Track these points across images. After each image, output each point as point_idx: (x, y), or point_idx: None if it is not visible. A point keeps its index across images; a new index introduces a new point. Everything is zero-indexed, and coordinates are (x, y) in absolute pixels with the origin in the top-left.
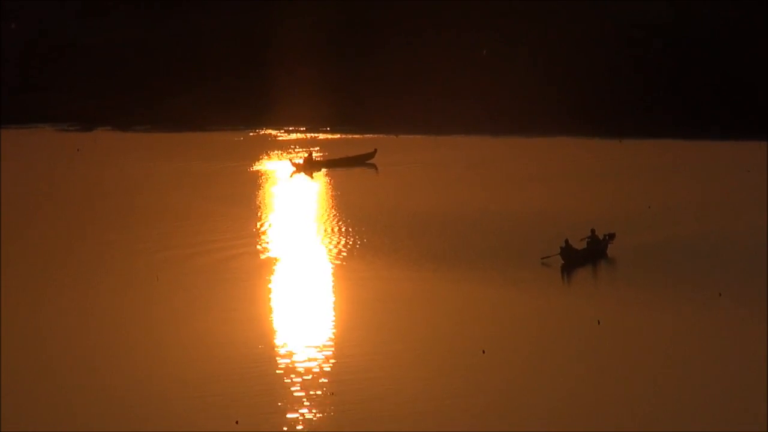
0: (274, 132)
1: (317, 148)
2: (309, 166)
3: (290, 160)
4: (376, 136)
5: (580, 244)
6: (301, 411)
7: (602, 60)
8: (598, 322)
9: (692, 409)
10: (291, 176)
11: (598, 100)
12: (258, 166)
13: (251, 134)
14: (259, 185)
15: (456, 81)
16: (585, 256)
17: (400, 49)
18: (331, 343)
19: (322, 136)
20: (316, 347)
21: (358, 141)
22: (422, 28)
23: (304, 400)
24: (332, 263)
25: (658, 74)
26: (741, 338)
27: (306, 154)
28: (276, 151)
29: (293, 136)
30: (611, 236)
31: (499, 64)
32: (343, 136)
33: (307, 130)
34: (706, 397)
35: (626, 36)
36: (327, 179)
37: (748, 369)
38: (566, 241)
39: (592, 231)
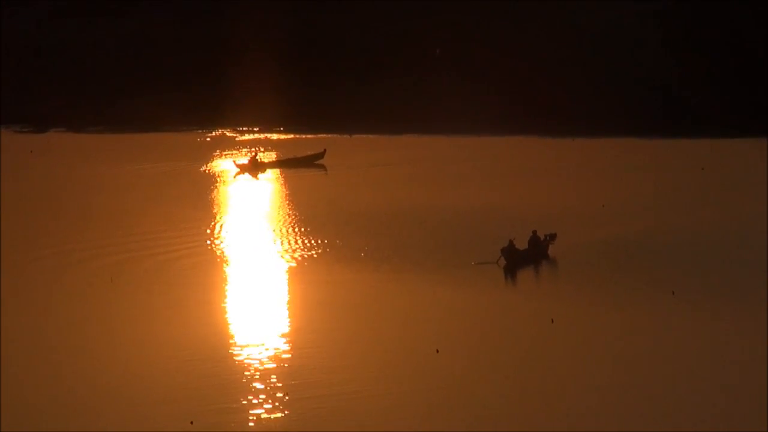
0: (228, 132)
1: (262, 148)
2: (254, 167)
3: (234, 161)
4: (329, 135)
5: (521, 245)
6: (255, 410)
7: (554, 59)
8: (552, 321)
9: (650, 407)
10: (235, 177)
11: (551, 99)
12: (206, 167)
13: (205, 135)
14: (203, 187)
15: (410, 81)
16: (528, 256)
17: (354, 50)
18: (284, 343)
19: (275, 136)
20: (269, 347)
21: (311, 141)
22: (375, 29)
23: (259, 399)
24: (281, 264)
25: (610, 73)
26: (696, 336)
27: (251, 155)
28: (227, 152)
29: (247, 136)
30: (552, 236)
31: (453, 64)
32: (297, 136)
33: (261, 131)
34: (664, 396)
35: (576, 34)
36: (273, 180)
37: (705, 366)
38: (510, 242)
39: (534, 232)
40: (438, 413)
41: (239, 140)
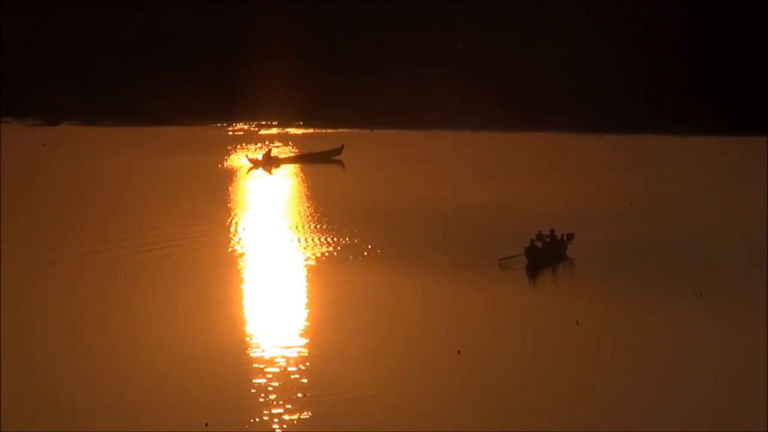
0: (245, 126)
1: (278, 143)
2: (268, 163)
3: (247, 156)
4: (349, 130)
5: (541, 245)
6: (272, 412)
7: (582, 55)
8: (577, 322)
9: (678, 409)
10: (248, 173)
11: (578, 94)
12: (220, 162)
13: (223, 129)
14: (216, 182)
15: (433, 75)
16: (548, 256)
17: (376, 44)
18: (302, 344)
19: (294, 130)
20: (286, 348)
21: (331, 135)
22: (397, 22)
23: (275, 401)
24: (297, 262)
25: (639, 68)
26: (724, 339)
27: (265, 150)
28: (243, 147)
29: (265, 131)
30: (570, 236)
31: (477, 58)
32: (316, 130)
33: (280, 125)
34: (692, 397)
35: (606, 30)
36: (288, 176)
37: (732, 369)
38: (532, 241)
39: (552, 231)
40: (459, 415)
41: (258, 134)
